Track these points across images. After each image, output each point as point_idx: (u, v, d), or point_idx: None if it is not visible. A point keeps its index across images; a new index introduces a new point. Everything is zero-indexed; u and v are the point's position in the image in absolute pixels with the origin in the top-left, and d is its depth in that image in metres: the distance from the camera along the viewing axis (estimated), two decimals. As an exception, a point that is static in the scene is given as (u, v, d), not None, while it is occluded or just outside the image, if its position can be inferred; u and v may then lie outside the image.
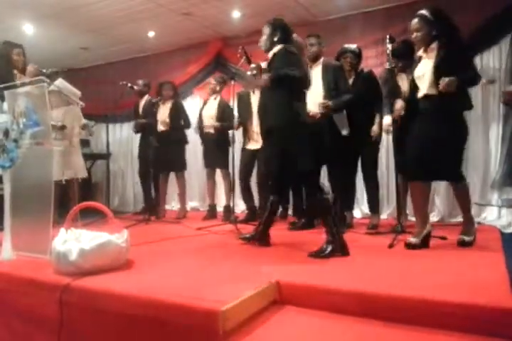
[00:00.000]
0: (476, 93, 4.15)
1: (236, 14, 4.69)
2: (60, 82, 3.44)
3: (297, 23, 4.87)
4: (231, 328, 1.55)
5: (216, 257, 2.63)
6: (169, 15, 4.73)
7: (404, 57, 3.35)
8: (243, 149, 4.34)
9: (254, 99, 4.21)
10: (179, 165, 4.79)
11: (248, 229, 3.65)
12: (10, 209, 2.58)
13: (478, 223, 3.97)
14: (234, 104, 4.03)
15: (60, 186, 3.73)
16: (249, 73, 4.15)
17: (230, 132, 4.24)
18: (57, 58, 5.96)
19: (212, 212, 4.71)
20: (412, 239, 2.68)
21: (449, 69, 2.54)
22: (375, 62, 4.41)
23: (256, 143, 4.16)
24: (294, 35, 2.93)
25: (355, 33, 4.62)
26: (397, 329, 1.61)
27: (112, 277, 2.03)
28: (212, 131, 4.50)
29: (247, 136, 4.32)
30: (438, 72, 2.59)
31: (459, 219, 4.07)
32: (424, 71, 2.69)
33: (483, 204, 3.93)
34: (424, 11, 2.65)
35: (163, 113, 4.72)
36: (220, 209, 4.80)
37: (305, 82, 2.69)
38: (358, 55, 3.77)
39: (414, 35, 2.70)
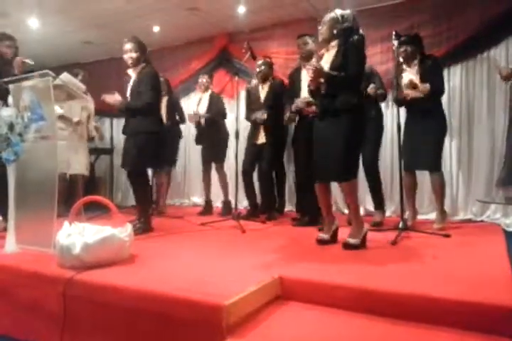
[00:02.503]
0: (481, 90, 4.14)
1: (241, 10, 4.67)
2: (64, 76, 3.44)
3: (303, 19, 4.86)
4: (234, 322, 1.56)
5: (219, 252, 2.64)
6: (174, 10, 4.72)
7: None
8: (253, 144, 4.23)
9: (263, 93, 4.21)
10: (170, 160, 4.85)
11: (250, 225, 3.66)
12: (14, 203, 2.59)
13: (482, 221, 3.97)
14: (238, 99, 3.99)
15: (65, 181, 3.74)
16: (257, 69, 4.21)
17: (233, 126, 4.15)
18: (61, 52, 5.96)
19: (208, 207, 4.72)
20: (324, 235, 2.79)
21: (340, 67, 2.60)
22: (381, 59, 4.39)
23: (262, 138, 4.18)
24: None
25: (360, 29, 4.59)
26: (399, 325, 1.61)
27: (115, 271, 2.04)
28: (202, 121, 4.56)
29: (257, 130, 4.24)
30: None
31: (461, 217, 4.10)
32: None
33: (486, 202, 3.91)
34: (338, 10, 2.76)
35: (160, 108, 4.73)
36: (219, 204, 4.81)
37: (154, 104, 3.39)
38: None
39: (320, 27, 2.77)
